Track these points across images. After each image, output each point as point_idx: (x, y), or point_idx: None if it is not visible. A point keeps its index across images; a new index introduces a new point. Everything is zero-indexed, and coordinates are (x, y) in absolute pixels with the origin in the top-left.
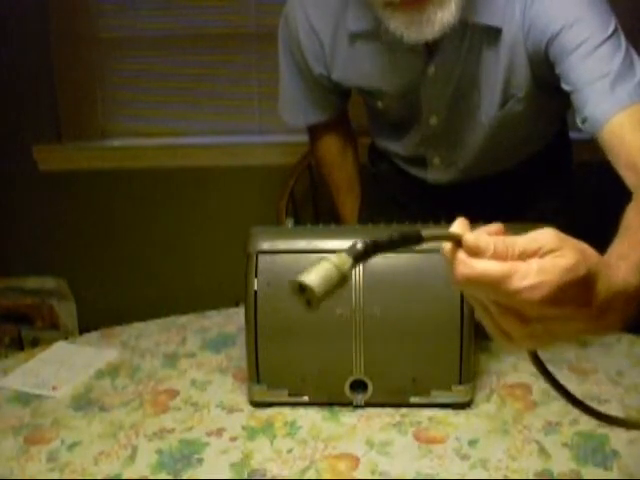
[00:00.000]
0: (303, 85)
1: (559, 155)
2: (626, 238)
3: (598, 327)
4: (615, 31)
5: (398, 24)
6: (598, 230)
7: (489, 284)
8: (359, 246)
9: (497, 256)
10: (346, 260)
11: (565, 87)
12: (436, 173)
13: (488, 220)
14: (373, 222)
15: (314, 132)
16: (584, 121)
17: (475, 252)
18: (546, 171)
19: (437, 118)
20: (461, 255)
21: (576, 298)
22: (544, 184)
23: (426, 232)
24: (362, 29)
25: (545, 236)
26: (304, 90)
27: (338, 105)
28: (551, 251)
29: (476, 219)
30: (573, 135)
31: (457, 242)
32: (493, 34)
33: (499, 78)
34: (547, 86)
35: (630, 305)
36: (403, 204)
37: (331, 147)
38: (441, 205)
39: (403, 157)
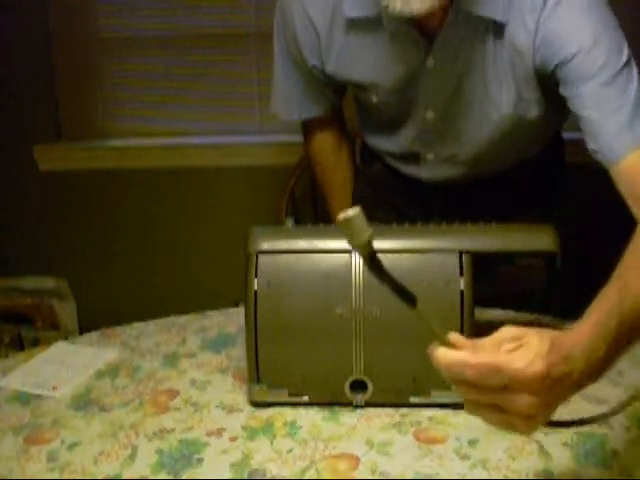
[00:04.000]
0: (297, 77)
1: (553, 155)
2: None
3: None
4: (629, 58)
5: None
6: (593, 230)
7: (497, 367)
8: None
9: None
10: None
11: (573, 109)
12: (429, 170)
13: (482, 220)
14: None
15: (308, 129)
16: (596, 151)
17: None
18: (540, 172)
19: (434, 112)
20: (460, 352)
21: (560, 362)
22: (537, 185)
23: (419, 309)
24: (359, 15)
25: (506, 329)
26: (298, 83)
27: (333, 100)
28: (515, 339)
29: (469, 219)
30: (567, 136)
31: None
32: (496, 29)
33: (508, 76)
34: (555, 92)
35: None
36: (396, 205)
37: (325, 145)
38: (435, 206)
39: (395, 154)
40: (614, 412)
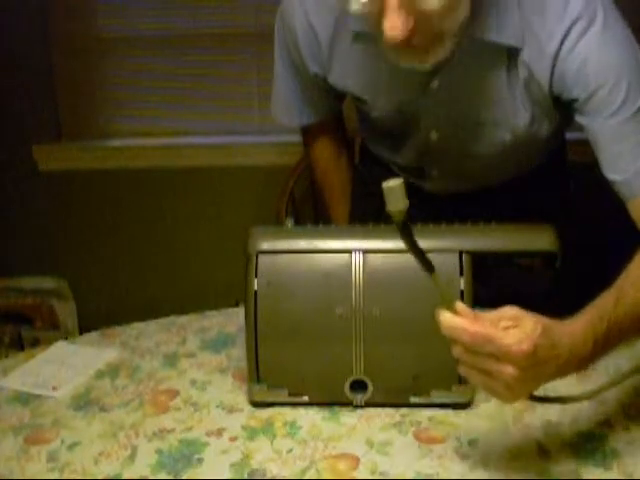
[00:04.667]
0: (298, 84)
1: (556, 156)
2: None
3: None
4: None
5: (390, 55)
6: (594, 230)
7: (491, 338)
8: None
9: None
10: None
11: (589, 138)
12: (433, 184)
13: (482, 220)
14: (366, 223)
15: (308, 133)
16: (613, 182)
17: (465, 316)
18: (543, 174)
19: (438, 133)
20: (462, 319)
21: (546, 347)
22: (540, 186)
23: (436, 275)
24: (364, 29)
25: (507, 308)
26: (299, 89)
27: (333, 106)
28: (512, 318)
29: (470, 220)
30: (571, 135)
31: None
32: (510, 53)
33: (524, 98)
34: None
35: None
36: None
37: (325, 150)
38: (436, 209)
39: (399, 165)
40: (600, 390)
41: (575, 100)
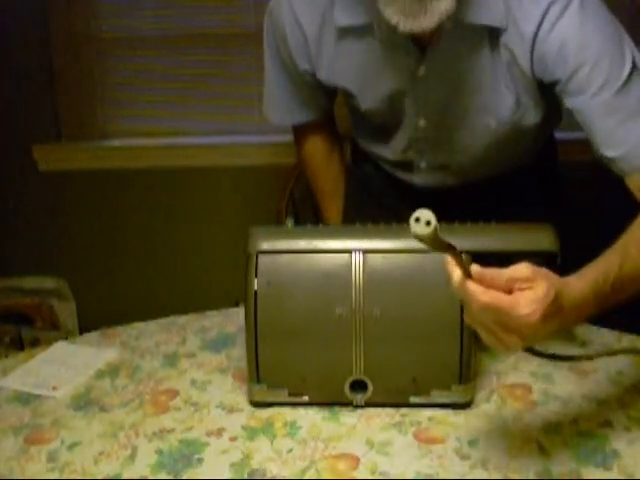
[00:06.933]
0: (289, 83)
1: (546, 156)
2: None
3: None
4: (634, 67)
5: (394, 11)
6: (589, 229)
7: (500, 309)
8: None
9: (490, 284)
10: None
11: (578, 120)
12: (422, 177)
13: (479, 220)
14: (359, 223)
15: (299, 133)
16: (612, 159)
17: (480, 280)
18: (533, 173)
19: (426, 121)
20: (475, 286)
21: (554, 313)
22: (531, 186)
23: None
24: (351, 24)
25: (521, 269)
26: (290, 88)
27: (324, 105)
28: (527, 280)
29: (463, 220)
30: (561, 135)
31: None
32: (492, 35)
33: (507, 81)
34: (554, 94)
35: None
36: (388, 205)
37: (317, 149)
38: (428, 207)
39: (388, 160)
40: (596, 355)
41: (558, 81)
